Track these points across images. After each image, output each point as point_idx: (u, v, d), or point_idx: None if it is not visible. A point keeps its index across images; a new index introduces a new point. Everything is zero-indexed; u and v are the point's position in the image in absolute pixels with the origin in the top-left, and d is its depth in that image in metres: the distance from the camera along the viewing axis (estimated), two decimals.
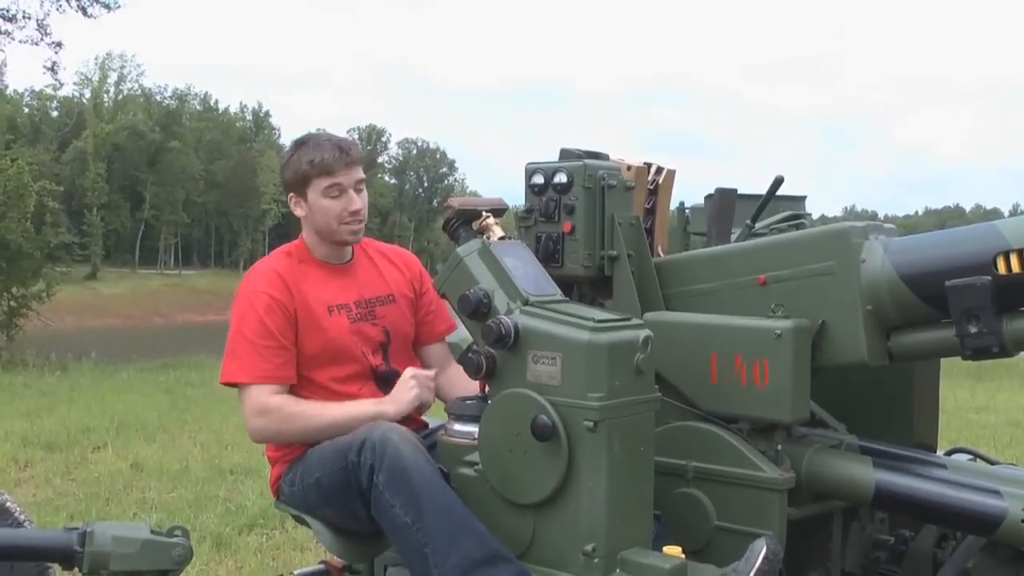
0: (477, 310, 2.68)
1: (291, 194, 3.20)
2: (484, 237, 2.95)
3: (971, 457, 3.29)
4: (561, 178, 3.13)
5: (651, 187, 3.42)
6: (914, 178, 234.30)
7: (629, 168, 3.29)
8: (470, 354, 2.67)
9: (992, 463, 3.21)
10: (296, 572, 3.51)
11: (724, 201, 3.62)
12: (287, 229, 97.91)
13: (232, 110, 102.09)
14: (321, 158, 3.10)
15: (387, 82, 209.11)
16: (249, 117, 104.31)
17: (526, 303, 2.67)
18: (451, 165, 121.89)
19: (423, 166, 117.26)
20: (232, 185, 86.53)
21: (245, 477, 7.73)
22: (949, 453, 3.29)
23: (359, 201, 3.18)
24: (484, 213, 3.03)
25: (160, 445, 9.11)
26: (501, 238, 2.97)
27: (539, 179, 3.18)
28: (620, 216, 3.16)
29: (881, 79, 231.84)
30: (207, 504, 6.82)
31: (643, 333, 2.62)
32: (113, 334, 40.03)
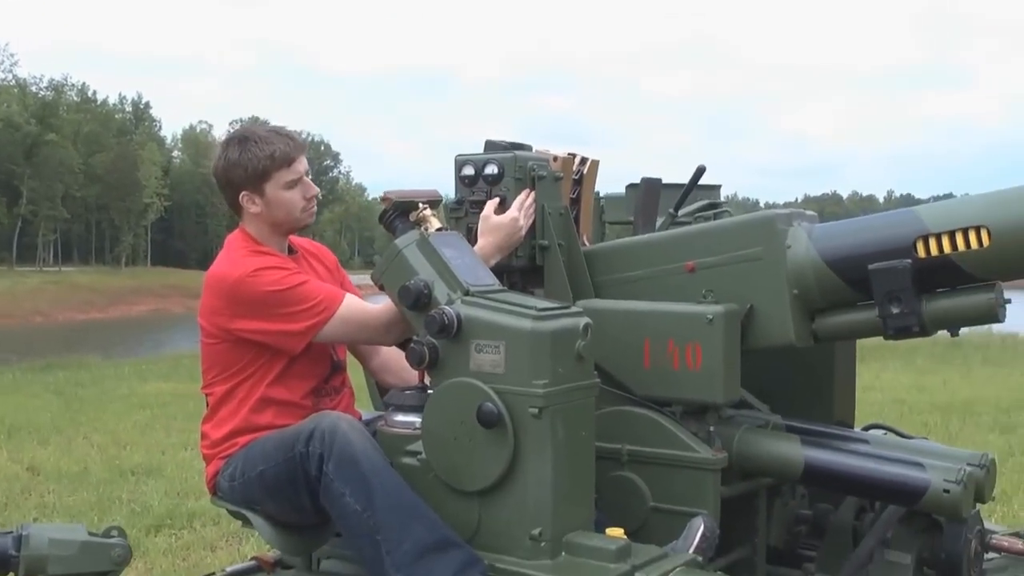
0: (418, 301, 2.70)
1: (244, 192, 3.11)
2: (422, 228, 2.97)
3: (885, 433, 3.43)
4: (492, 169, 3.17)
5: (576, 177, 3.48)
6: (792, 165, 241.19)
7: (556, 159, 3.35)
8: (413, 344, 2.69)
9: (906, 437, 3.36)
10: (228, 569, 3.47)
11: (650, 190, 3.70)
12: (170, 224, 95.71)
13: (111, 101, 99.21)
14: (280, 150, 3.08)
15: (269, 71, 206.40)
16: (129, 108, 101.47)
17: (467, 293, 2.70)
18: (336, 157, 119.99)
19: (307, 158, 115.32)
20: (113, 179, 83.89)
21: (147, 477, 7.62)
22: (866, 429, 3.43)
23: (313, 185, 3.19)
24: (421, 204, 3.05)
25: (56, 447, 8.90)
26: (438, 229, 2.99)
27: (470, 170, 3.21)
28: (550, 206, 3.21)
29: (759, 67, 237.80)
30: (111, 506, 6.72)
31: (583, 320, 2.68)
32: None
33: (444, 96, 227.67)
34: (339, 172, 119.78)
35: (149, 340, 33.24)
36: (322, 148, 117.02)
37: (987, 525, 3.59)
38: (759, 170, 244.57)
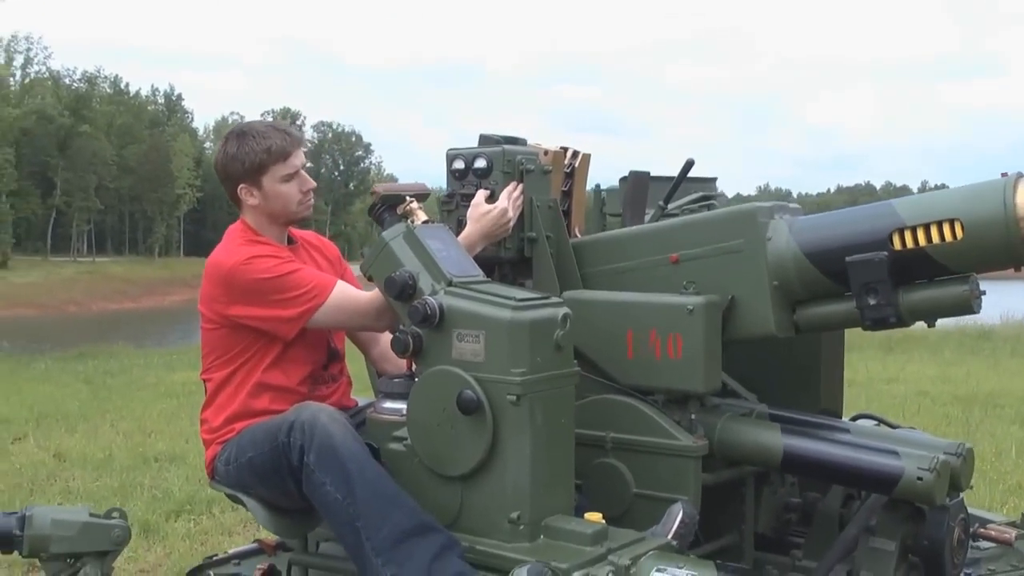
0: (403, 291, 2.78)
1: (242, 185, 3.21)
2: (408, 221, 3.06)
3: (875, 422, 3.48)
4: (481, 163, 3.25)
5: (568, 171, 3.55)
6: (825, 156, 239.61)
7: (547, 153, 3.42)
8: (397, 334, 2.77)
9: (893, 427, 3.40)
10: (231, 551, 3.57)
11: (637, 183, 3.77)
12: (202, 214, 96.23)
13: (144, 93, 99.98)
14: (276, 144, 3.17)
15: (298, 63, 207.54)
16: (161, 100, 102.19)
17: (450, 284, 2.78)
18: (367, 148, 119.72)
19: (339, 149, 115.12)
20: (145, 170, 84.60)
21: (170, 464, 7.71)
22: (854, 419, 3.48)
23: (310, 179, 3.28)
24: (408, 198, 3.13)
25: (82, 435, 9.02)
26: (425, 222, 3.07)
27: (460, 164, 3.29)
28: (538, 199, 3.29)
29: (788, 58, 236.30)
30: (133, 492, 6.81)
31: (562, 311, 2.75)
32: (26, 324, 39.16)
33: (470, 88, 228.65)
34: (370, 162, 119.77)
35: (180, 329, 33.50)
36: (353, 139, 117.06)
37: (984, 515, 3.64)
38: (792, 161, 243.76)
